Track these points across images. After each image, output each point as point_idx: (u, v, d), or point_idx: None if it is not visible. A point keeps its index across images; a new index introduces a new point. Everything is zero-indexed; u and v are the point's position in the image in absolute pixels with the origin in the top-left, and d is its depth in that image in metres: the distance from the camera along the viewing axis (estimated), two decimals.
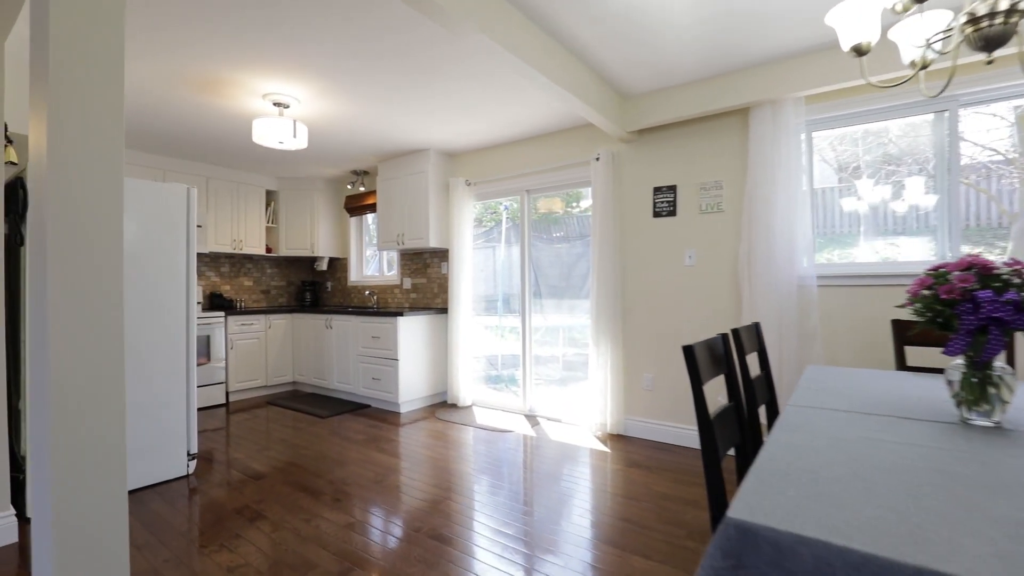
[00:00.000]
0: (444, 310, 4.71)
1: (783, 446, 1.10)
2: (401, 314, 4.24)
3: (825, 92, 2.89)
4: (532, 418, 4.13)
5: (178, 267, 2.86)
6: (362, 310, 4.64)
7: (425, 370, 4.53)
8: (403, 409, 4.36)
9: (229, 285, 5.35)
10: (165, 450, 2.81)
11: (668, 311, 3.46)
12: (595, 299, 3.65)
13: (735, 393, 1.52)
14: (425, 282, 5.00)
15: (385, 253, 5.55)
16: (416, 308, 4.89)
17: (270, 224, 5.47)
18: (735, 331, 1.76)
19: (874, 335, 2.77)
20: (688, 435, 3.36)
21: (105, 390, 1.32)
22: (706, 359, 1.32)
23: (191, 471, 2.92)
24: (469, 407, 4.49)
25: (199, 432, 3.77)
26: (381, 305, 5.39)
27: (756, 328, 2.05)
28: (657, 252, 3.51)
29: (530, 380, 4.28)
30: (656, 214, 3.51)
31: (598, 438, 3.58)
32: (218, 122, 3.69)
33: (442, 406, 4.56)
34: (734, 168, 3.21)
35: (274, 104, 3.26)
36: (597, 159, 3.65)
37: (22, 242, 2.23)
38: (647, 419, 3.56)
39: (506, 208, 6.20)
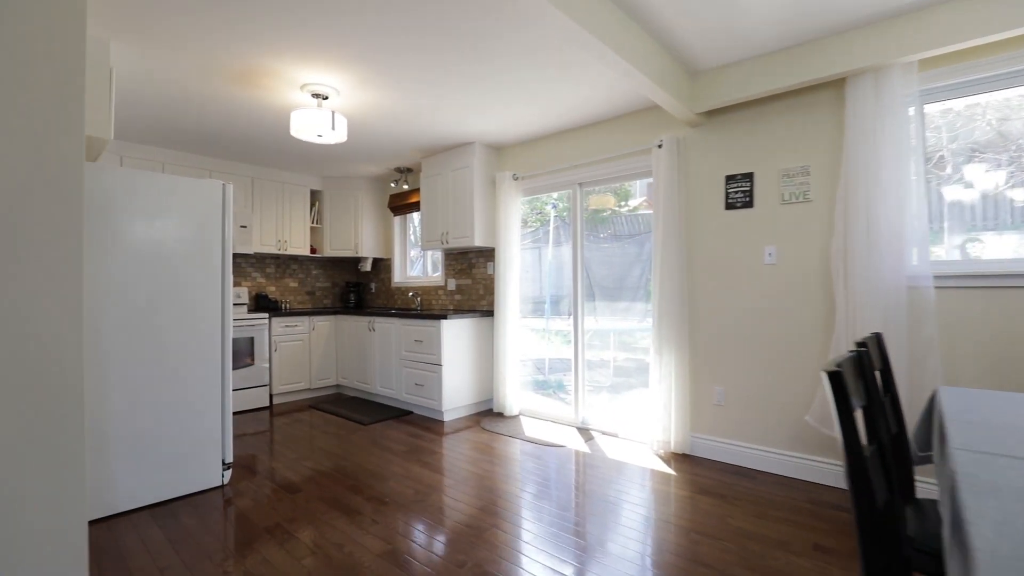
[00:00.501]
0: (490, 313, 4.45)
1: (996, 522, 0.73)
2: (445, 317, 4.01)
3: (945, 54, 2.40)
4: (585, 431, 3.79)
5: (213, 266, 2.73)
6: (405, 312, 4.45)
7: (470, 376, 4.28)
8: (447, 418, 4.12)
9: (274, 286, 5.32)
10: (199, 459, 2.67)
11: (744, 316, 3.04)
12: (657, 302, 3.28)
13: (876, 428, 1.14)
14: (470, 283, 4.76)
15: (429, 253, 5.37)
16: (460, 310, 4.66)
17: (314, 224, 5.40)
18: (862, 344, 1.37)
19: (1010, 349, 2.26)
20: (769, 459, 2.93)
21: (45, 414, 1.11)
22: (854, 384, 0.96)
23: (226, 481, 2.78)
24: (516, 417, 4.20)
25: (240, 436, 3.68)
26: (425, 307, 5.20)
27: (878, 341, 1.64)
28: (730, 249, 3.10)
29: (582, 389, 3.94)
30: (729, 206, 3.10)
31: (660, 457, 3.20)
32: (258, 118, 3.58)
33: (488, 415, 4.29)
34: (824, 150, 2.76)
35: (313, 96, 3.09)
36: (659, 146, 3.27)
37: None
38: (718, 438, 3.14)
39: (553, 206, 5.90)
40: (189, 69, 2.81)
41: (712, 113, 3.16)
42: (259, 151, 4.43)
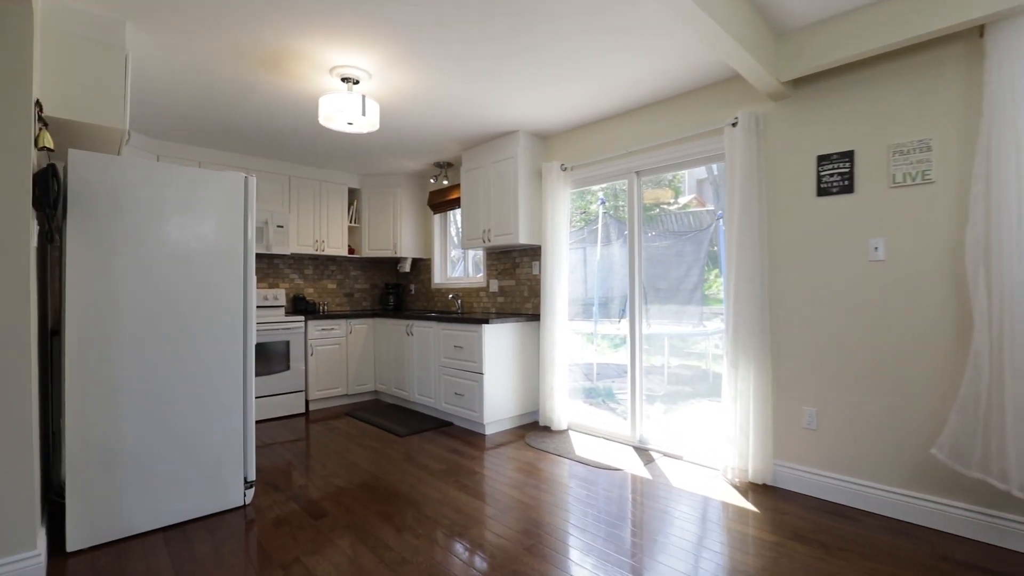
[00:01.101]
0: (535, 316, 4.08)
1: None
2: (486, 321, 3.68)
3: None
4: (643, 452, 3.35)
5: (235, 266, 2.50)
6: (444, 315, 4.16)
7: (513, 385, 3.92)
8: (488, 431, 3.79)
9: (312, 288, 5.17)
10: (218, 477, 2.45)
11: (843, 324, 2.53)
12: (732, 306, 2.81)
13: None
14: (514, 284, 4.41)
15: (471, 253, 5.06)
16: (504, 314, 4.32)
17: (353, 224, 5.21)
18: None
19: None
20: (876, 497, 2.40)
21: None
22: None
23: (248, 500, 2.55)
24: (564, 432, 3.81)
25: (271, 445, 3.47)
26: (466, 310, 4.89)
27: None
28: (824, 243, 2.59)
29: (640, 401, 3.50)
30: (822, 191, 2.59)
31: (735, 487, 2.73)
32: (289, 109, 3.37)
33: (533, 428, 3.92)
34: (952, 120, 2.22)
35: (343, 80, 2.83)
36: (733, 124, 2.81)
37: (51, 239, 1.94)
38: (808, 468, 2.64)
39: (602, 202, 5.49)
40: (212, 53, 2.60)
41: (800, 82, 2.67)
42: (294, 147, 4.26)
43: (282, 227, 4.52)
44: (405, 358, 4.50)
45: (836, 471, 2.54)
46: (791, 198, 2.71)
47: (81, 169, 2.10)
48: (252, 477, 2.56)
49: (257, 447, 3.46)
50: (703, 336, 3.56)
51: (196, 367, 2.38)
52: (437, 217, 5.31)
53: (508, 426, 3.92)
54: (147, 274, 2.25)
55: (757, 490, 2.70)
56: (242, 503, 2.51)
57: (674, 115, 3.25)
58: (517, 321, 3.93)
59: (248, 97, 3.17)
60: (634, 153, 3.46)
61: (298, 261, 5.05)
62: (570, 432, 3.80)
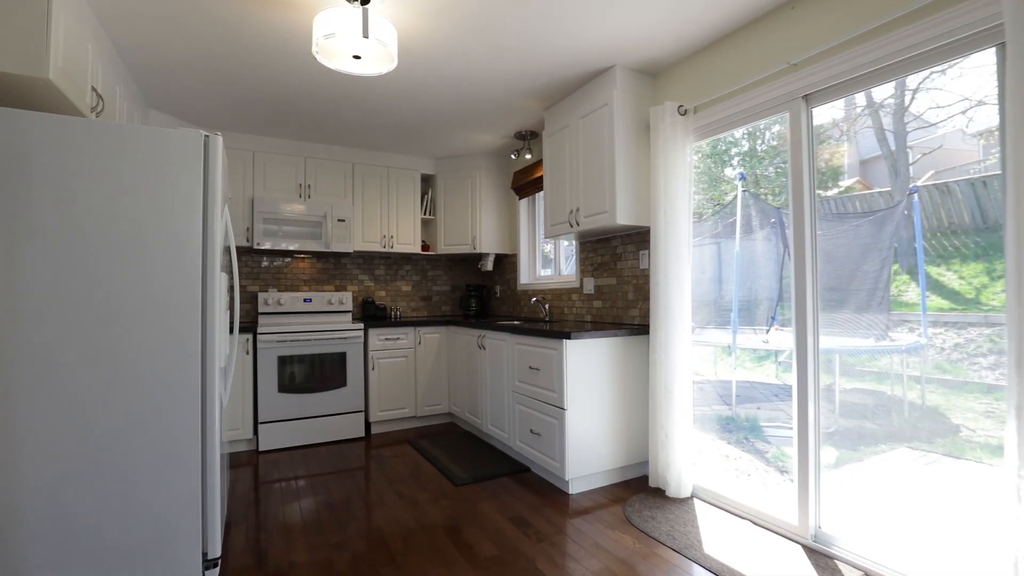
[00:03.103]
0: (642, 328, 2.89)
1: None
2: (567, 335, 2.61)
3: None
4: (825, 560, 1.99)
5: (185, 261, 1.80)
6: (518, 325, 3.17)
7: (610, 426, 2.79)
8: (573, 488, 2.70)
9: (384, 291, 4.55)
10: (166, 553, 1.74)
11: None
12: (1018, 321, 1.39)
13: None
14: (614, 283, 3.27)
15: (563, 245, 4.02)
16: (601, 323, 3.20)
17: (426, 216, 4.49)
18: None
19: None
20: None
21: None
22: None
23: None
24: (686, 501, 2.56)
25: (294, 478, 2.79)
26: (555, 317, 3.86)
27: None
28: None
29: (815, 462, 2.13)
30: None
31: None
32: (335, 76, 2.69)
33: (639, 490, 2.74)
34: None
35: None
36: None
37: None
38: None
39: (741, 177, 4.20)
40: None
41: None
42: (352, 126, 3.63)
43: (343, 221, 3.94)
44: (477, 377, 3.61)
45: None
46: None
47: None
48: (216, 553, 1.83)
49: (278, 481, 2.81)
50: (888, 352, 2.68)
51: (132, 397, 1.71)
52: (523, 204, 4.36)
53: (602, 482, 2.79)
54: (64, 270, 1.62)
55: None
56: None
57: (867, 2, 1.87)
58: (616, 334, 2.79)
59: (286, 62, 2.53)
60: (800, 67, 2.13)
61: (368, 261, 4.47)
62: (695, 502, 2.54)
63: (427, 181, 4.61)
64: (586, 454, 2.69)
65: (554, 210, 3.30)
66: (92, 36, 2.10)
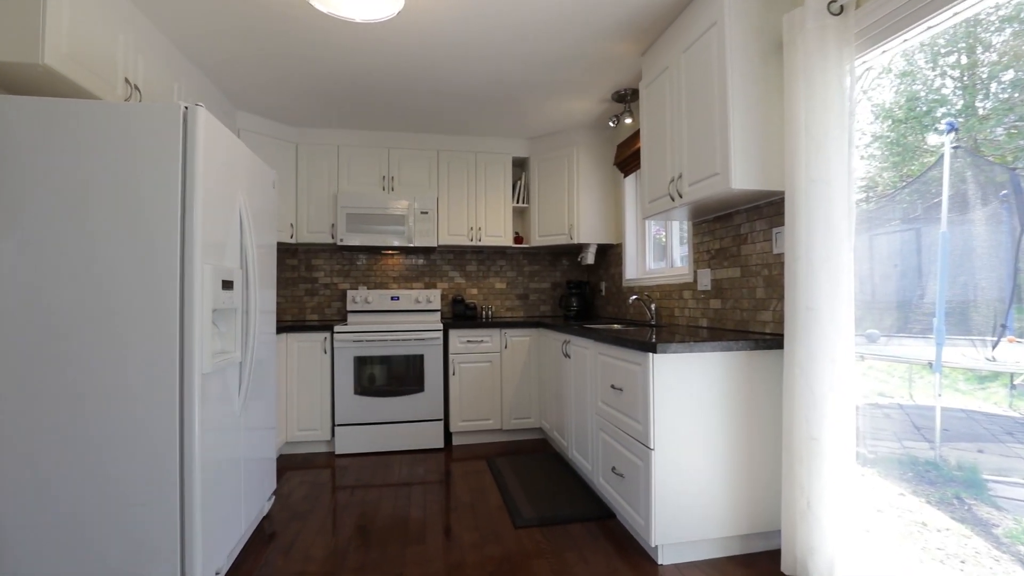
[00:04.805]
0: (775, 338, 2.01)
1: None
2: (652, 348, 1.89)
3: None
4: None
5: (157, 253, 1.57)
6: (603, 330, 2.51)
7: (722, 479, 1.97)
8: (664, 558, 1.96)
9: (476, 288, 4.19)
10: None
11: None
12: None
13: None
14: (737, 275, 2.40)
15: (677, 230, 3.20)
16: (719, 331, 2.38)
17: (518, 204, 4.01)
18: None
19: None
20: None
21: None
22: None
23: None
24: None
25: (359, 487, 2.52)
26: (664, 319, 3.07)
27: None
28: None
29: None
30: None
31: None
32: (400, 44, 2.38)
33: (766, 573, 1.88)
34: None
35: None
36: None
37: None
38: None
39: (951, 128, 2.96)
40: None
41: None
42: (428, 108, 3.32)
43: (427, 213, 3.67)
44: (563, 390, 3.02)
45: None
46: None
47: None
48: None
49: (335, 491, 2.57)
50: None
51: (104, 403, 1.53)
52: (629, 183, 3.62)
53: (708, 553, 1.99)
54: (25, 266, 1.51)
55: None
56: None
57: None
58: (731, 347, 1.96)
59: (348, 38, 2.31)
60: None
61: (459, 256, 4.16)
62: None
63: (520, 166, 4.14)
64: (684, 513, 1.93)
65: (652, 181, 2.56)
66: (127, 28, 2.04)
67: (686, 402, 1.93)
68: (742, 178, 1.94)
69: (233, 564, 1.95)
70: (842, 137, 1.70)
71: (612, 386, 2.25)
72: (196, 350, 1.59)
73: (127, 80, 2.03)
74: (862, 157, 2.26)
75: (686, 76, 2.22)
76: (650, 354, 1.90)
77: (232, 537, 1.88)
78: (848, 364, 1.70)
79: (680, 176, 2.27)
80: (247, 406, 2.04)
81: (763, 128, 1.96)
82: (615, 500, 2.23)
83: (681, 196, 2.27)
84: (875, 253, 2.48)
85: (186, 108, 1.61)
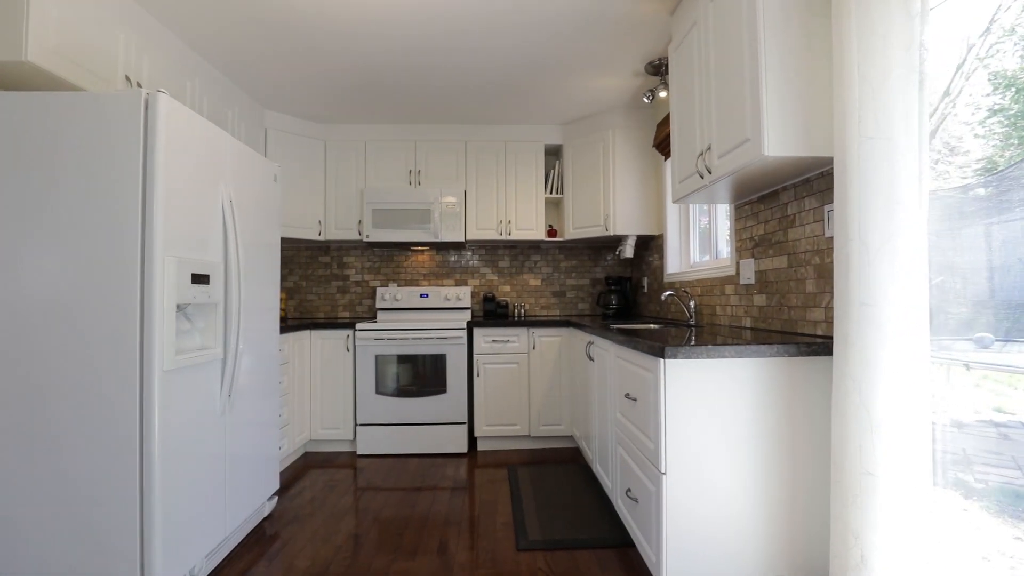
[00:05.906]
0: (823, 341, 1.61)
1: None
2: (661, 353, 1.57)
3: None
4: None
5: (120, 237, 1.52)
6: (621, 329, 2.20)
7: (754, 513, 1.61)
8: None
9: (509, 285, 3.98)
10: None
11: None
12: None
13: None
14: (784, 265, 2.00)
15: (724, 219, 2.80)
16: (764, 332, 2.00)
17: (551, 195, 3.75)
18: None
19: None
20: None
21: None
22: None
23: None
24: None
25: (368, 489, 2.40)
26: (705, 318, 2.68)
27: None
28: None
29: None
30: None
31: None
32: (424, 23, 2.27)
33: None
34: None
35: None
36: None
37: None
38: None
39: None
40: None
41: None
42: (451, 93, 3.17)
43: (453, 207, 3.52)
44: (587, 396, 2.73)
45: None
46: None
47: None
48: None
49: (344, 493, 2.47)
50: None
51: (61, 398, 1.50)
52: (671, 167, 3.23)
53: None
54: None
55: None
56: None
57: None
58: (766, 353, 1.59)
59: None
60: None
61: (491, 251, 3.97)
62: None
63: (553, 154, 3.88)
64: (703, 548, 1.60)
65: (682, 158, 2.22)
66: (129, 26, 2.06)
67: (706, 419, 1.60)
68: (778, 143, 1.57)
69: (217, 566, 1.90)
70: (909, 77, 1.30)
71: (627, 395, 1.95)
72: (156, 346, 1.52)
73: (127, 78, 2.05)
74: (976, 136, 1.79)
75: (714, 29, 1.87)
76: (660, 360, 1.59)
77: (212, 537, 1.81)
78: (919, 376, 1.29)
79: (709, 148, 1.92)
80: (235, 404, 1.98)
81: (806, 79, 1.57)
82: (631, 527, 1.93)
83: (710, 171, 1.92)
84: (992, 244, 1.98)
85: (147, 94, 1.55)
